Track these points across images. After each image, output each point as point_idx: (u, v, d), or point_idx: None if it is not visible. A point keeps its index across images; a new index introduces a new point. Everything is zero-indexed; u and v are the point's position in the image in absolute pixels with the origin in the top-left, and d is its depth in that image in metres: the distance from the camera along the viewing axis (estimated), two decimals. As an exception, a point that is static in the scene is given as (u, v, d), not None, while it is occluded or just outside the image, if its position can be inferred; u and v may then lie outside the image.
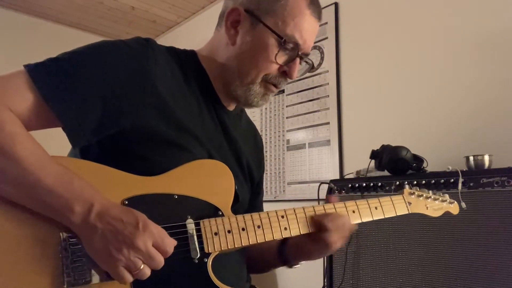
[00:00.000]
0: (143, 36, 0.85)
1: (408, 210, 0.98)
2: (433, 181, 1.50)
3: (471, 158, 1.56)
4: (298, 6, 0.86)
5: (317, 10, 0.89)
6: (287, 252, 0.96)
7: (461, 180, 1.42)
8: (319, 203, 0.92)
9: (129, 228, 0.65)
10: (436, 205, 1.04)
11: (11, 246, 0.64)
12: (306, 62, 0.94)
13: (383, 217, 0.94)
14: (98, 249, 0.65)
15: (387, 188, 1.64)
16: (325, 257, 1.78)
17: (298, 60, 0.88)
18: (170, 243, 0.69)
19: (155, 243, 0.66)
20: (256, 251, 0.99)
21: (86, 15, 3.41)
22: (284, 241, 0.96)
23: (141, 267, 0.65)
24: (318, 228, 0.86)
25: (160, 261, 0.67)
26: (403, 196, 1.00)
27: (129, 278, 0.65)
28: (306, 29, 0.86)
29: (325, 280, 1.78)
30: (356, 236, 1.69)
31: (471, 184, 1.42)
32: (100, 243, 0.64)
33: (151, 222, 0.67)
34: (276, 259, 0.98)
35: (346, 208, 0.90)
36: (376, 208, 0.94)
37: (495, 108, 1.73)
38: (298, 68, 0.91)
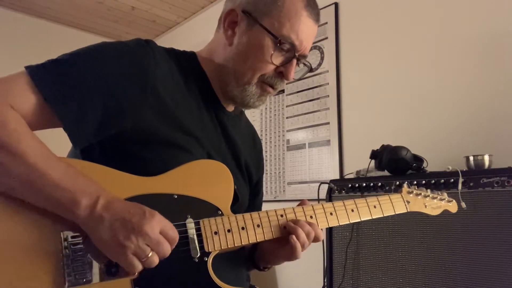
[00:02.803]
0: (143, 36, 0.85)
1: (406, 208, 0.99)
2: (433, 181, 1.50)
3: (471, 158, 1.56)
4: (294, 7, 0.86)
5: (314, 12, 0.89)
6: (256, 257, 0.97)
7: (461, 180, 1.42)
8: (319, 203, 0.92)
9: (136, 217, 0.65)
10: (434, 204, 1.04)
11: (12, 246, 0.64)
12: (304, 64, 0.94)
13: (382, 215, 0.94)
14: (106, 239, 0.65)
15: (387, 188, 1.64)
16: (325, 257, 1.78)
17: (294, 61, 0.89)
18: (176, 232, 0.69)
19: (162, 230, 0.67)
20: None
21: (86, 15, 3.41)
22: (254, 245, 0.96)
23: (150, 254, 0.65)
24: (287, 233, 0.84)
25: (167, 248, 0.67)
26: (401, 195, 1.00)
27: (138, 265, 0.65)
28: (302, 30, 0.87)
29: (325, 280, 1.78)
30: (356, 236, 1.69)
31: (471, 184, 1.42)
32: (108, 233, 0.65)
33: (157, 212, 0.68)
34: (248, 262, 0.99)
35: (345, 207, 0.90)
36: (375, 207, 0.94)
37: (495, 108, 1.73)
38: (295, 69, 0.90)
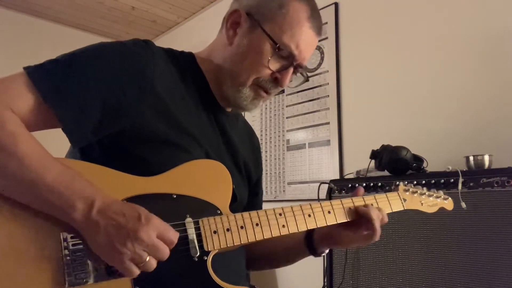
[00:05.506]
0: (143, 36, 0.86)
1: (403, 206, 1.00)
2: (433, 181, 1.50)
3: (471, 158, 1.56)
4: (297, 17, 0.87)
5: (316, 25, 0.90)
6: (315, 241, 0.98)
7: (461, 180, 1.42)
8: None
9: (131, 222, 0.65)
10: (430, 201, 1.05)
11: (12, 247, 0.64)
12: (301, 74, 0.95)
13: None
14: (103, 245, 0.65)
15: (387, 188, 1.63)
16: (325, 257, 1.78)
17: (291, 69, 0.89)
18: (174, 234, 0.69)
19: (159, 234, 0.67)
20: (280, 244, 1.02)
21: (86, 15, 3.41)
22: (310, 231, 0.99)
23: (147, 259, 0.65)
24: (359, 217, 0.90)
25: (165, 251, 0.67)
26: (398, 193, 1.01)
27: (136, 271, 0.66)
28: (303, 40, 0.88)
29: (325, 280, 1.78)
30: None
31: (471, 184, 1.42)
32: (104, 238, 0.64)
33: (153, 215, 0.68)
34: (303, 248, 1.00)
35: (343, 205, 0.91)
36: (372, 205, 0.94)
37: (495, 108, 1.73)
38: (291, 77, 0.91)
